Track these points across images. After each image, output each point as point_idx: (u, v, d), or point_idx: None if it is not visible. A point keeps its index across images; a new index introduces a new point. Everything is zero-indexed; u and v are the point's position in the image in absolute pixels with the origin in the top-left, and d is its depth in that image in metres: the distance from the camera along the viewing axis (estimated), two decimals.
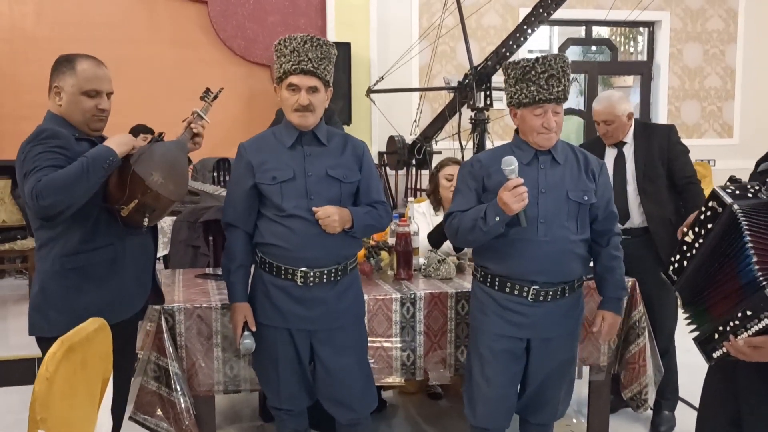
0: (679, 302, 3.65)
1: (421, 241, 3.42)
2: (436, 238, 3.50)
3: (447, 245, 3.52)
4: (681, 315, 3.68)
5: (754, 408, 2.15)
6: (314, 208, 2.52)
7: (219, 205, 4.31)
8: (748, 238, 2.01)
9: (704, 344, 2.10)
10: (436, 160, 4.80)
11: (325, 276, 2.58)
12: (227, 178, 5.56)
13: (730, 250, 2.07)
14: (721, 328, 2.05)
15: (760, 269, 1.96)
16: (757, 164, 2.40)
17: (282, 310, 2.59)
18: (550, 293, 2.54)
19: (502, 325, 2.57)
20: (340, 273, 2.62)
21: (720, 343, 2.05)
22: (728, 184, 2.17)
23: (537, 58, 2.54)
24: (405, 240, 3.22)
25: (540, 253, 2.50)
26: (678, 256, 2.28)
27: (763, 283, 1.95)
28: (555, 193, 2.54)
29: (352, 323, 2.69)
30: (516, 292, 2.54)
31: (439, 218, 3.57)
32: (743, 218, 2.04)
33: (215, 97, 2.66)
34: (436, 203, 3.71)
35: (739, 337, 1.99)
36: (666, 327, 3.50)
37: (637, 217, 3.48)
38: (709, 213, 2.16)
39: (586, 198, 2.58)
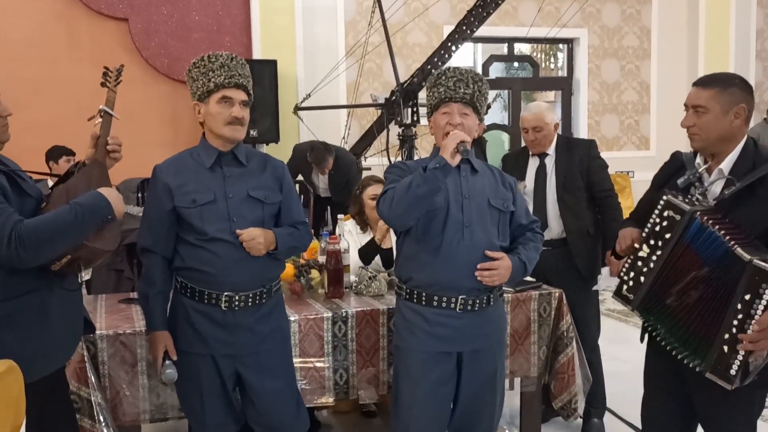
0: (602, 308, 3.76)
1: (352, 258, 3.39)
2: (366, 253, 3.49)
3: (377, 262, 3.51)
4: (603, 326, 3.80)
5: (702, 386, 2.18)
6: (238, 231, 2.47)
7: None
8: (719, 229, 2.06)
9: (718, 370, 2.08)
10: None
11: (250, 300, 2.53)
12: None
13: (699, 250, 2.11)
14: (727, 336, 2.05)
15: (731, 239, 2.02)
16: (658, 182, 2.47)
17: (205, 336, 2.52)
18: (477, 302, 2.54)
19: (432, 342, 2.55)
20: (264, 296, 2.57)
21: (734, 354, 2.04)
22: (676, 194, 2.22)
23: (449, 67, 2.61)
24: (336, 258, 3.19)
25: (466, 257, 2.50)
26: (632, 274, 2.29)
27: (732, 244, 2.01)
28: (477, 199, 2.57)
29: (277, 345, 2.64)
30: (444, 305, 2.53)
31: (368, 236, 3.56)
32: (707, 219, 2.09)
33: (118, 78, 2.43)
34: (363, 224, 3.68)
35: (749, 329, 2.00)
36: (589, 337, 3.57)
37: (555, 228, 3.56)
38: (665, 223, 2.19)
39: (506, 205, 2.62)
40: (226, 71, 2.48)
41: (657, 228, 2.21)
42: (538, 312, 3.18)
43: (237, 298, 2.50)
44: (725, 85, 2.24)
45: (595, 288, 3.66)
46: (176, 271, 2.56)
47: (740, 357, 2.04)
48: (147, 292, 2.53)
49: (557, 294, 3.20)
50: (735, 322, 2.04)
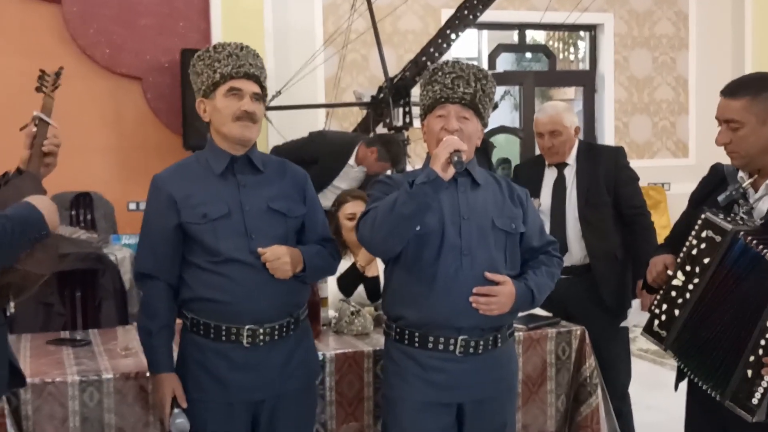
0: (633, 348, 3.75)
1: (330, 290, 3.38)
2: (347, 282, 3.47)
3: (360, 293, 3.49)
4: (635, 368, 3.79)
5: None
6: (260, 249, 2.47)
7: (79, 252, 4.17)
8: (763, 249, 2.08)
9: (739, 398, 2.10)
10: None
11: (276, 332, 2.53)
12: (89, 217, 5.40)
13: (742, 276, 2.12)
14: (752, 358, 2.07)
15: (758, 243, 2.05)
16: (696, 200, 2.48)
17: (223, 380, 2.51)
18: (481, 344, 2.54)
19: (427, 391, 2.54)
20: (292, 327, 2.58)
21: (757, 379, 2.05)
22: (716, 212, 2.23)
23: (447, 61, 2.62)
24: (311, 289, 3.16)
25: (466, 290, 2.49)
26: (665, 306, 2.30)
27: (761, 249, 2.04)
28: (479, 219, 2.56)
29: (304, 385, 2.64)
30: (441, 347, 2.52)
31: (348, 262, 3.55)
32: (752, 239, 2.11)
33: (56, 82, 2.46)
34: (341, 246, 3.66)
35: None
36: (618, 383, 3.57)
37: (577, 252, 3.56)
38: (703, 245, 2.19)
39: (514, 226, 2.61)
40: (234, 60, 2.53)
41: (694, 251, 2.22)
42: (556, 354, 3.18)
43: (261, 331, 2.50)
44: (757, 91, 2.27)
45: (624, 324, 3.66)
46: (184, 305, 2.56)
47: (765, 383, 2.05)
48: (149, 326, 2.53)
49: (579, 332, 3.20)
50: (762, 342, 2.06)
